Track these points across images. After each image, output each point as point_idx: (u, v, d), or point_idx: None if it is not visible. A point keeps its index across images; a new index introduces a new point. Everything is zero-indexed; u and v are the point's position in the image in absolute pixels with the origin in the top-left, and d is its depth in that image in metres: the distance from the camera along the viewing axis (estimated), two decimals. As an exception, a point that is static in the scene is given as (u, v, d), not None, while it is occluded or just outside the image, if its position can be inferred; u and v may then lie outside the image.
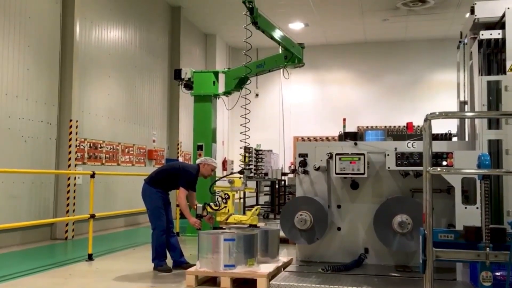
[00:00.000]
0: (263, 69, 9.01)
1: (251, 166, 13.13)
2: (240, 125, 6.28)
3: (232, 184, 5.62)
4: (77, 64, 8.91)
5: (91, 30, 9.67)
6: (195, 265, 5.35)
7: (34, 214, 8.04)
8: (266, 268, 5.04)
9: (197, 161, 6.15)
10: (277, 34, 8.21)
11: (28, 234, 7.94)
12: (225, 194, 5.56)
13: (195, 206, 5.88)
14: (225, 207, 5.56)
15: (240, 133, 7.03)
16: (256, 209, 5.59)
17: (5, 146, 7.55)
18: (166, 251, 5.90)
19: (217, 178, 5.90)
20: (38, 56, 8.30)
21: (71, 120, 8.70)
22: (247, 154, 9.29)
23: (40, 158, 8.26)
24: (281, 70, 8.94)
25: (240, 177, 5.80)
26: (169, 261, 5.92)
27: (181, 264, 5.86)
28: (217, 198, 5.64)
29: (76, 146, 8.85)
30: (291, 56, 8.55)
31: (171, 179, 5.92)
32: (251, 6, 7.25)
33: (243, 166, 6.06)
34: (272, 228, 5.87)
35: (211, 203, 5.73)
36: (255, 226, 5.49)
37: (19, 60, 7.88)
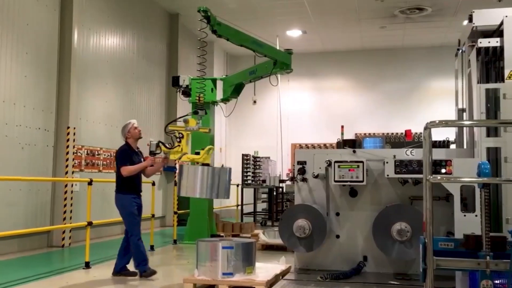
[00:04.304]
0: (256, 75, 9.02)
1: (249, 173, 13.14)
2: (198, 56, 5.80)
3: (186, 123, 5.57)
4: (74, 71, 8.90)
5: (89, 37, 9.66)
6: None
7: (31, 222, 7.99)
8: (265, 276, 5.01)
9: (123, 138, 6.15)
10: (249, 41, 8.13)
11: (25, 241, 7.89)
12: (179, 133, 5.52)
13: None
14: (179, 145, 5.51)
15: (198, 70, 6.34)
16: (209, 149, 5.54)
17: (2, 153, 7.51)
18: (147, 254, 5.93)
19: (172, 119, 5.83)
20: (36, 63, 8.29)
21: (68, 127, 8.68)
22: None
23: (37, 165, 8.23)
24: (269, 77, 8.93)
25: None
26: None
27: (121, 271, 5.90)
28: (172, 138, 5.59)
29: (73, 153, 8.82)
30: (275, 63, 8.56)
31: (120, 172, 5.90)
32: (207, 15, 7.24)
33: (199, 106, 6.00)
34: (223, 167, 5.66)
35: (165, 143, 5.65)
36: (207, 165, 5.36)
37: (16, 67, 7.87)
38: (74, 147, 8.86)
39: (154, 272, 5.81)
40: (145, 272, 5.79)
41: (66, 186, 8.57)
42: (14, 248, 7.67)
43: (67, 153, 8.66)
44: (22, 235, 7.62)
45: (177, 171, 5.14)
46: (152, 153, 5.69)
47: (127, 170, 5.82)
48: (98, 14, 10.01)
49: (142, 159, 6.09)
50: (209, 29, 7.22)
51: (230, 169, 5.36)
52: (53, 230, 8.39)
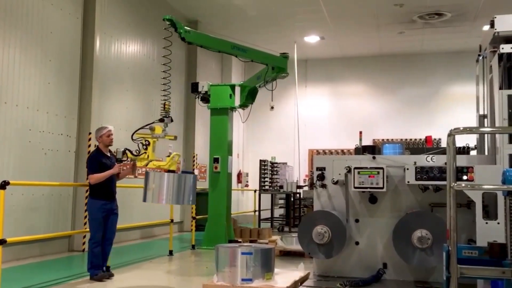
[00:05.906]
0: (261, 80, 9.09)
1: (266, 178, 13.14)
2: (162, 72, 6.11)
3: (152, 131, 5.66)
4: (96, 78, 9.04)
5: (111, 45, 9.82)
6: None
7: (52, 226, 8.11)
8: (284, 282, 5.01)
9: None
10: (228, 47, 8.13)
11: (46, 246, 8.01)
12: (145, 140, 5.63)
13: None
14: (145, 153, 5.63)
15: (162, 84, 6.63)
16: (174, 156, 5.60)
17: (26, 158, 7.66)
18: (101, 260, 6.02)
19: (139, 127, 5.97)
20: (59, 70, 8.45)
21: (90, 133, 8.81)
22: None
23: (59, 170, 8.37)
24: (264, 81, 9.01)
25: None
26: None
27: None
28: (138, 145, 5.70)
29: (94, 158, 8.93)
30: (273, 68, 8.69)
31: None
32: (173, 23, 7.29)
33: (164, 114, 6.17)
34: (187, 174, 5.70)
35: (131, 150, 5.75)
36: (173, 171, 5.43)
37: (40, 74, 8.03)
38: (95, 152, 8.97)
39: (104, 277, 5.91)
40: (96, 276, 5.90)
41: (87, 191, 8.68)
42: (35, 252, 7.79)
43: (88, 158, 8.78)
44: (44, 239, 7.74)
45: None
46: (119, 160, 5.78)
47: (94, 178, 5.93)
48: (119, 22, 10.17)
49: (115, 162, 6.17)
50: (178, 36, 7.36)
51: (195, 176, 5.46)
52: (74, 234, 8.51)
